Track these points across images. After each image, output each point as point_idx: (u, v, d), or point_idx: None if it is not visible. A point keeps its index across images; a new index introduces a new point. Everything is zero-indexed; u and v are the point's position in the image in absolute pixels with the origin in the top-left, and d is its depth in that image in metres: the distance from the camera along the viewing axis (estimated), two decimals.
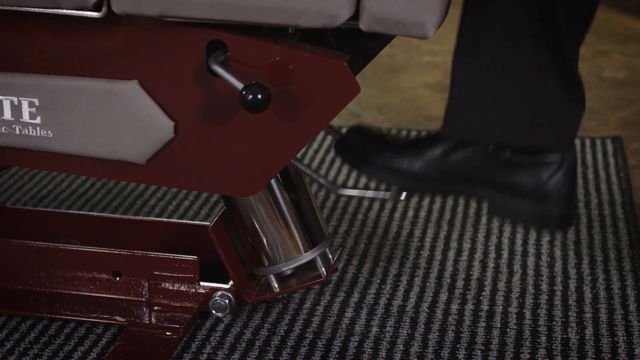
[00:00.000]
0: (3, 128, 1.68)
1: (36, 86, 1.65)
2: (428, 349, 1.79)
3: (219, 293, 1.83)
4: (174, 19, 1.56)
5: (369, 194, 1.77)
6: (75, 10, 1.57)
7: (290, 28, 1.65)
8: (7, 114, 1.67)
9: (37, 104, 1.66)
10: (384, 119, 2.87)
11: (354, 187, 1.72)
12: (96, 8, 1.57)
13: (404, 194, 1.72)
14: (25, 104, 1.66)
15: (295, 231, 1.78)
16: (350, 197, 2.36)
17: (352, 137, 1.76)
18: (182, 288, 1.85)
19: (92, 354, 1.78)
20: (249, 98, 1.48)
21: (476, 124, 1.69)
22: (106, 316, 1.85)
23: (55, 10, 1.58)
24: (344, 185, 1.71)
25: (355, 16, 1.50)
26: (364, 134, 1.77)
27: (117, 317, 1.84)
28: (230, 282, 1.84)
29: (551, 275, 2.03)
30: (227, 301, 1.83)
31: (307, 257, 1.79)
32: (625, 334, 1.84)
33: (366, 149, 1.74)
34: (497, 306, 1.93)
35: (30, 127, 1.67)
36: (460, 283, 2.01)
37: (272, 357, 1.77)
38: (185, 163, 1.65)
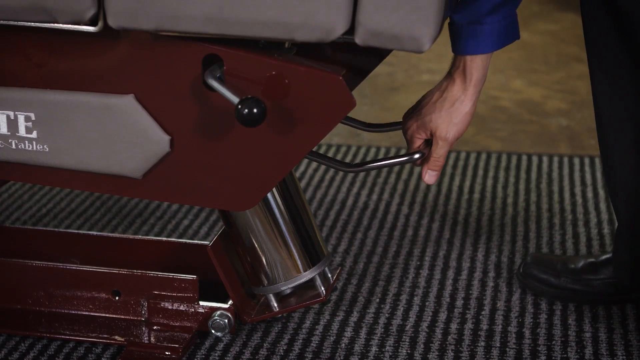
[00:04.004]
0: None
1: (32, 101, 1.65)
2: None
3: (218, 312, 1.83)
4: (170, 34, 1.56)
5: (385, 163, 1.74)
6: (72, 24, 1.57)
7: (286, 42, 1.66)
8: (4, 129, 1.67)
9: (33, 118, 1.66)
10: (383, 137, 2.88)
11: (367, 162, 1.70)
12: (92, 22, 1.57)
13: (420, 154, 1.71)
14: (21, 119, 1.66)
15: (294, 250, 1.78)
16: (351, 213, 2.36)
17: (530, 268, 2.02)
18: (182, 307, 1.85)
19: None
20: (244, 112, 1.48)
21: None
22: (105, 336, 1.85)
23: (52, 24, 1.58)
24: (356, 165, 1.70)
25: (351, 30, 1.50)
26: (541, 261, 2.03)
27: (116, 337, 1.84)
28: (230, 302, 1.84)
29: None
30: (226, 320, 1.83)
31: (306, 276, 1.79)
32: (624, 353, 1.84)
33: (545, 276, 2.01)
34: (496, 325, 1.93)
35: (26, 142, 1.67)
36: (459, 302, 2.00)
37: None
38: (181, 177, 1.65)
